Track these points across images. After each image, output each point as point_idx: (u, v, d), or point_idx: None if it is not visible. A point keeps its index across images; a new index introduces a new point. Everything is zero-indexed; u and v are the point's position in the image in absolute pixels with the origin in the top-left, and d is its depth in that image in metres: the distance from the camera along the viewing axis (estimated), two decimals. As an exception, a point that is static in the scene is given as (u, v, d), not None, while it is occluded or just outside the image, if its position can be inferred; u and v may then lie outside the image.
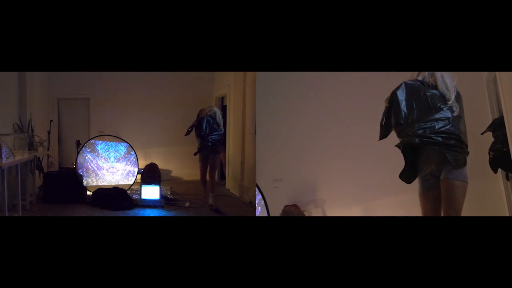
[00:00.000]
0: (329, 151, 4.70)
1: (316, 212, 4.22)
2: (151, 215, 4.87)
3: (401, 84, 2.75)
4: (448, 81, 2.71)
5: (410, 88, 2.73)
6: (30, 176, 5.17)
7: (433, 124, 2.65)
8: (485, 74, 3.71)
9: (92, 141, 5.91)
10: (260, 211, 3.52)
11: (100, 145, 5.90)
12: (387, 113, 2.80)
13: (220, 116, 5.27)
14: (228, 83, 6.96)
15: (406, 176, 2.91)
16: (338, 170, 4.60)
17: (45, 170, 5.96)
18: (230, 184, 6.77)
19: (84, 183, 5.60)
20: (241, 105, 6.28)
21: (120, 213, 4.90)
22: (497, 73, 3.13)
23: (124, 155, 6.02)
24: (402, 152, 2.85)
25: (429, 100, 2.67)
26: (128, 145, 6.02)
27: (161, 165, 6.52)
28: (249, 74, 5.97)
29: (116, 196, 5.21)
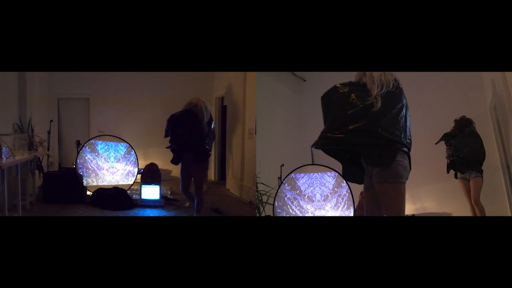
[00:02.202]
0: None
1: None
2: (151, 215, 4.87)
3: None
4: (376, 76, 2.49)
5: (332, 92, 2.61)
6: (30, 176, 5.17)
7: (346, 123, 2.44)
8: (488, 102, 4.75)
9: (92, 141, 5.90)
10: (347, 197, 4.71)
11: (100, 145, 5.89)
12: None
13: (204, 110, 4.09)
14: (228, 83, 6.97)
15: (350, 175, 2.75)
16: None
17: (45, 170, 5.96)
18: (230, 184, 6.78)
19: (84, 183, 5.60)
20: (241, 105, 6.28)
21: (120, 213, 4.90)
22: (495, 100, 4.10)
23: (124, 155, 6.01)
24: (329, 155, 2.68)
25: (348, 98, 2.48)
26: (128, 145, 6.02)
27: (161, 165, 6.51)
28: (249, 74, 5.97)
29: (116, 196, 5.21)
